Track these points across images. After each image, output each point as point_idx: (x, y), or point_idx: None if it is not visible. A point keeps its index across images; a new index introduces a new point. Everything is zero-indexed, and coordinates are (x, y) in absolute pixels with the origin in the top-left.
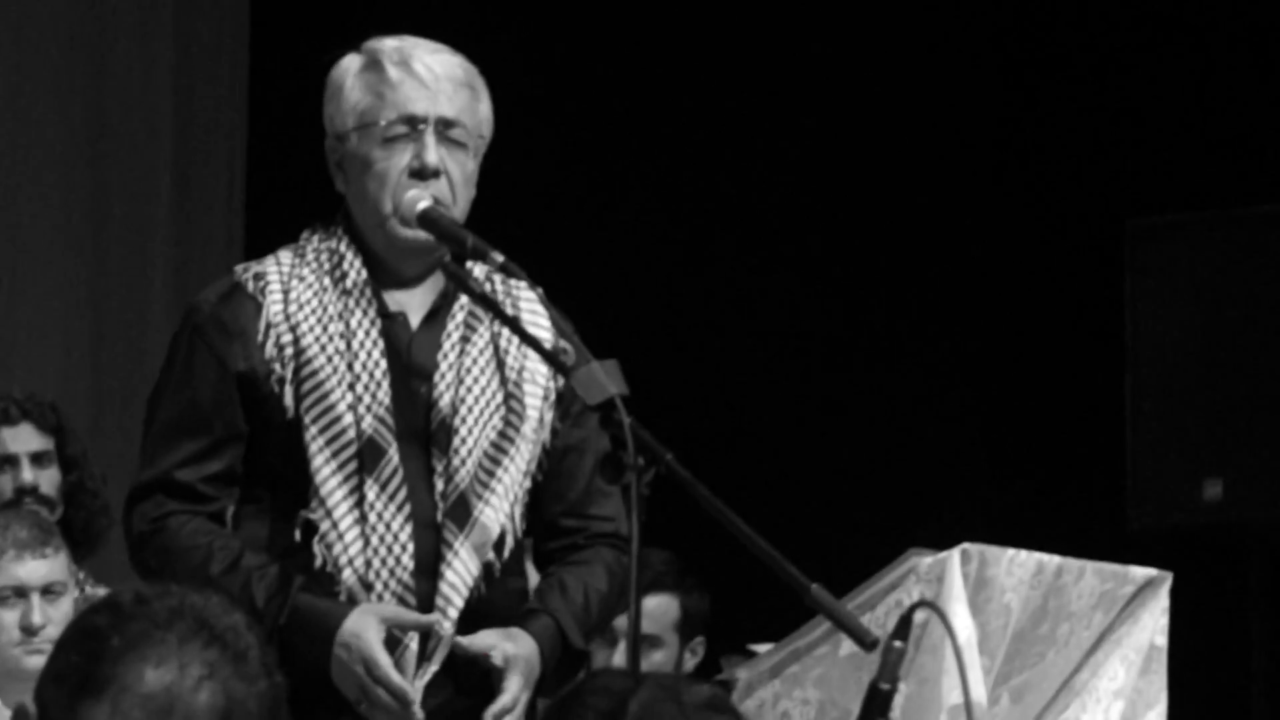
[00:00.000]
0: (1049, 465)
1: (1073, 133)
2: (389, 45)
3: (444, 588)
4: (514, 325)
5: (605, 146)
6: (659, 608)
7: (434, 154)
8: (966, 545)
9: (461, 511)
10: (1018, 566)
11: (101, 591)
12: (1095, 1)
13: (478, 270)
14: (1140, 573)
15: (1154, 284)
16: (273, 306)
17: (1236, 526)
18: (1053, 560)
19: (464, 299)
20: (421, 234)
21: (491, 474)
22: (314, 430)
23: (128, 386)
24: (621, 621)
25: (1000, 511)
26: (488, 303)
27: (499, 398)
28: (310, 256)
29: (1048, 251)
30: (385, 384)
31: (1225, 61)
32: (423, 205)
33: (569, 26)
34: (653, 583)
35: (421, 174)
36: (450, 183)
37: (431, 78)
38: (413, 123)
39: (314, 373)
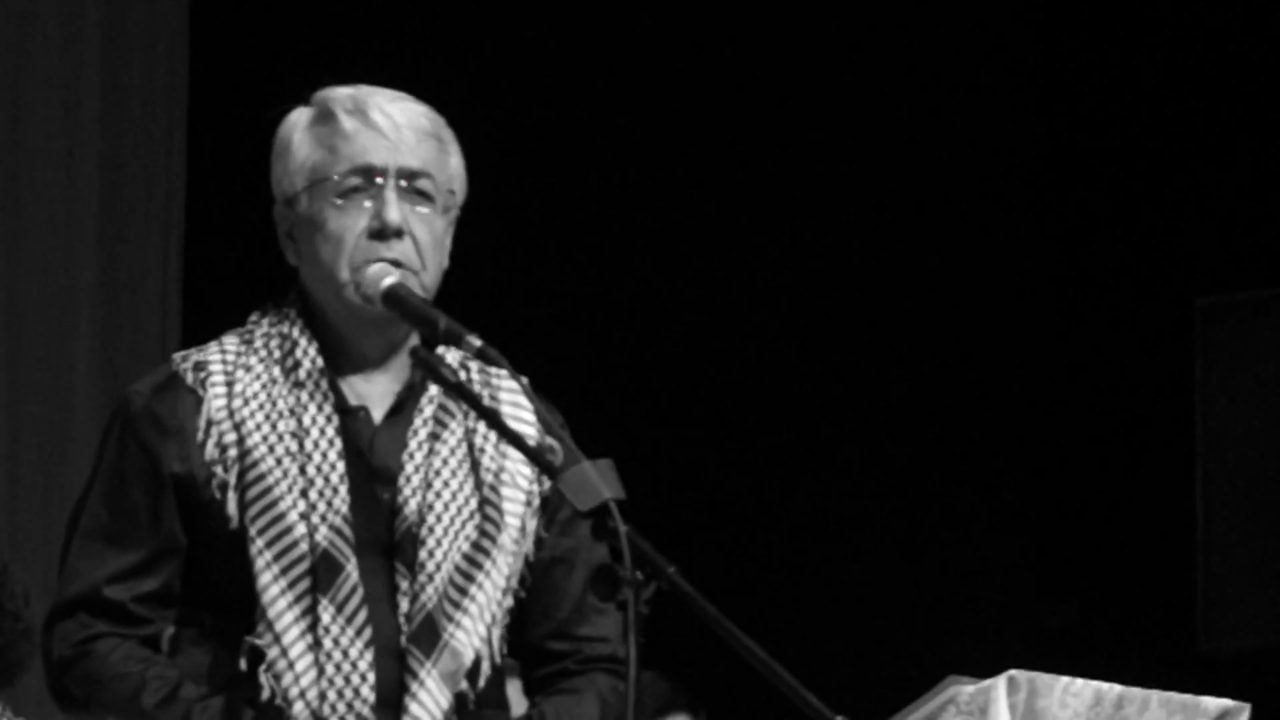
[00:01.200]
0: (1108, 578)
1: (1138, 204)
2: (342, 94)
3: None
4: (494, 419)
5: (592, 215)
6: None
7: (396, 211)
8: (1013, 672)
9: (429, 635)
10: (1072, 697)
11: None
12: (1163, 73)
13: (450, 356)
14: (1213, 704)
15: (1228, 370)
16: (215, 401)
17: None
18: (1113, 689)
19: (433, 390)
20: (361, 300)
21: (464, 591)
22: (260, 543)
23: (48, 488)
24: None
25: (1052, 633)
26: (464, 393)
27: (473, 504)
28: (259, 343)
29: (1108, 335)
30: (343, 489)
31: None
32: (388, 282)
33: (547, 78)
34: (668, 704)
35: (382, 234)
36: (416, 245)
37: (391, 126)
38: (369, 174)
39: (261, 477)
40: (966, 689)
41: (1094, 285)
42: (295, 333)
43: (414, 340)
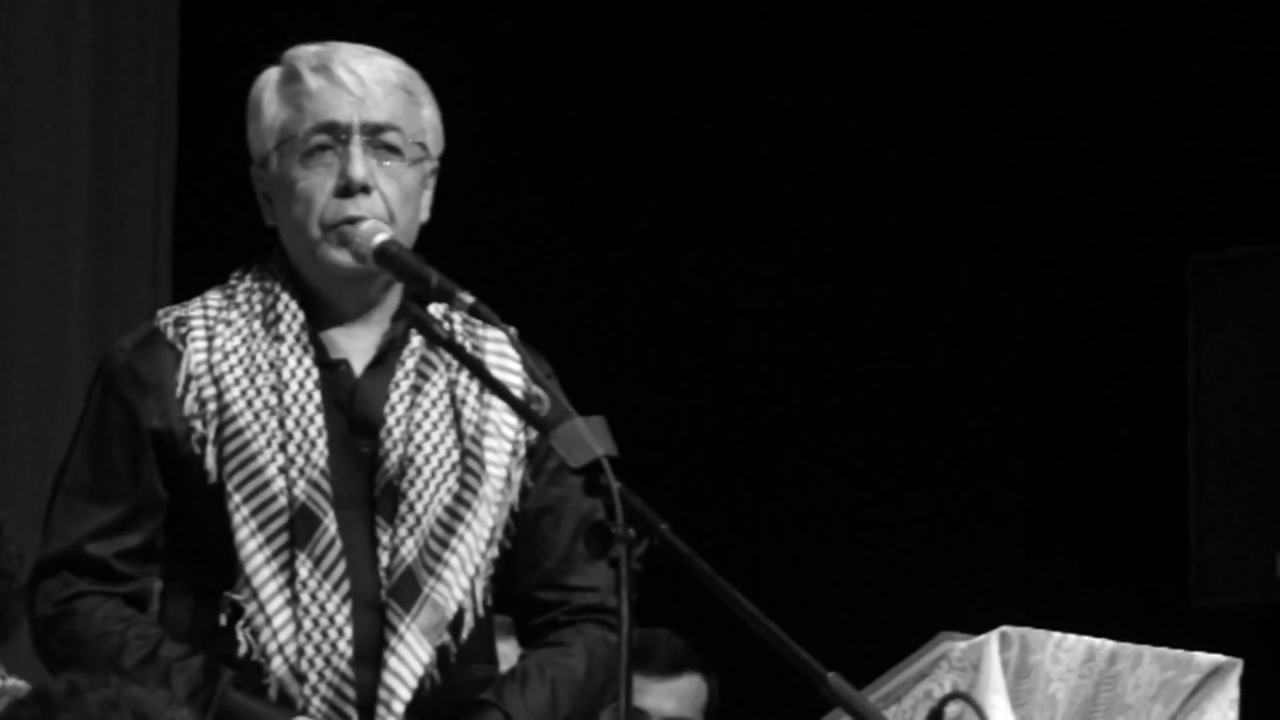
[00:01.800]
0: (1100, 535)
1: (1129, 161)
2: (308, 51)
3: (387, 677)
4: (485, 375)
5: (581, 171)
6: (691, 688)
7: (360, 166)
8: (1006, 628)
9: (409, 589)
10: (1064, 652)
11: (14, 683)
12: (1156, 32)
13: (433, 308)
14: (1205, 659)
15: (1220, 326)
16: (194, 356)
17: None
18: (1105, 645)
19: (415, 342)
20: (354, 259)
21: (445, 544)
22: (238, 498)
23: (40, 445)
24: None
25: (1044, 589)
26: (456, 351)
27: (455, 455)
28: (240, 298)
29: (1100, 292)
30: (321, 443)
31: None
32: (379, 239)
33: (537, 39)
34: (682, 661)
35: (348, 190)
36: (385, 199)
37: (355, 81)
38: (335, 131)
39: (239, 431)
40: (959, 645)
41: (1085, 242)
42: (276, 288)
43: (393, 295)
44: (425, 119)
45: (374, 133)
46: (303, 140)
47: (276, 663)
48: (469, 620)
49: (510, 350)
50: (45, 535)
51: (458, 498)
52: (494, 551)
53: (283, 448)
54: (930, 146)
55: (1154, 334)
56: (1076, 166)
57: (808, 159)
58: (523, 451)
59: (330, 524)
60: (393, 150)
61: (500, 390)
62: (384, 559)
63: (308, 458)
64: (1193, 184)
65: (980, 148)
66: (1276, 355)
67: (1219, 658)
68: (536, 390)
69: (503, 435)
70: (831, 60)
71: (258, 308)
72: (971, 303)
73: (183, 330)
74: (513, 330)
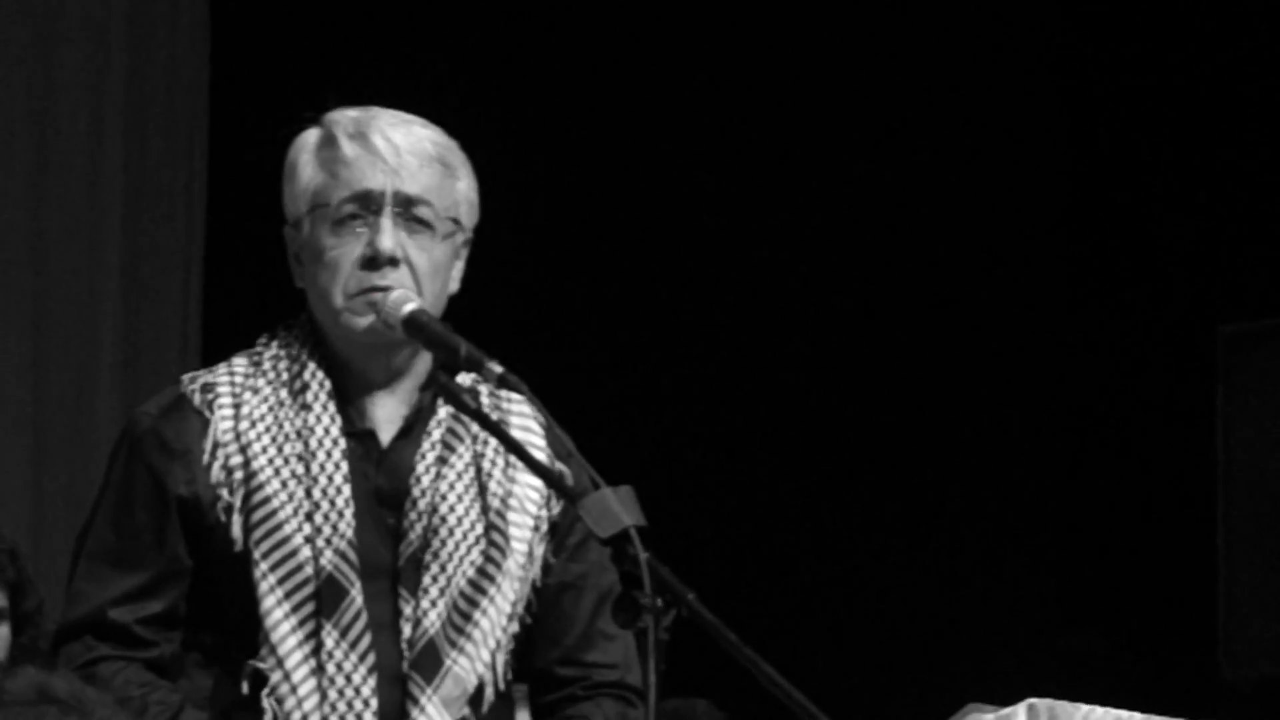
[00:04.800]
0: (1130, 607)
1: (1162, 231)
2: (347, 116)
3: None
4: (516, 447)
5: (613, 240)
6: None
7: (389, 238)
8: (1034, 700)
9: (430, 661)
10: None
11: None
12: (1188, 100)
13: (461, 378)
14: None
15: (1250, 397)
16: (221, 423)
17: None
18: (1134, 718)
19: (442, 413)
20: (382, 326)
21: (468, 617)
22: (265, 566)
23: (71, 506)
24: None
25: (1073, 660)
26: (485, 422)
27: (479, 528)
28: (267, 365)
29: (1131, 362)
30: (348, 513)
31: None
32: (408, 309)
33: (571, 104)
34: None
35: (375, 262)
36: (413, 272)
37: (390, 150)
38: (367, 201)
39: (266, 500)
40: (987, 716)
41: (1118, 312)
42: (304, 355)
43: (421, 364)
44: (460, 192)
45: (406, 205)
46: (335, 208)
47: None
48: (489, 694)
49: (535, 424)
50: (68, 599)
51: (481, 571)
52: (514, 626)
53: (309, 517)
54: (964, 209)
55: (1184, 405)
56: (1110, 237)
57: (832, 215)
58: (545, 526)
59: (357, 595)
60: (424, 224)
61: (529, 460)
62: (406, 630)
63: (335, 527)
64: (1224, 254)
65: (1015, 213)
66: None
67: None
68: (560, 466)
69: (526, 510)
70: (866, 125)
71: (284, 375)
72: (1004, 374)
73: (209, 397)
74: (539, 404)
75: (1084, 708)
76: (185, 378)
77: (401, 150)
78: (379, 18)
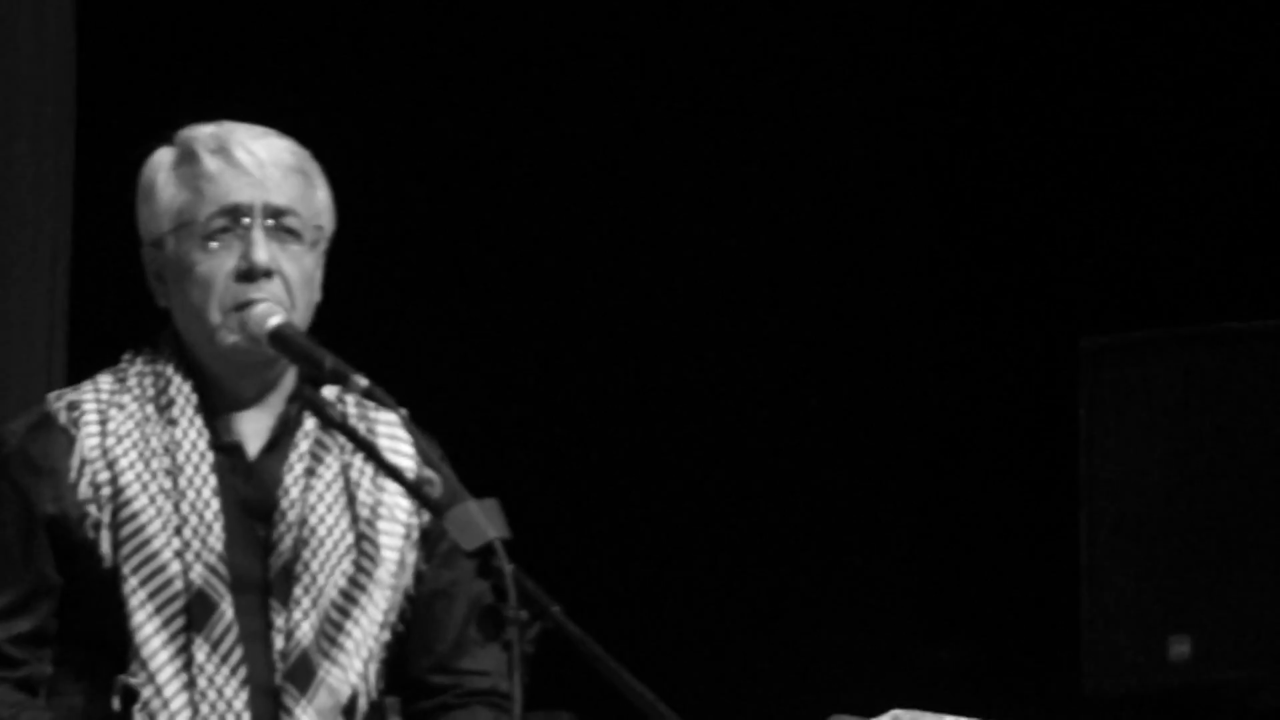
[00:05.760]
0: (993, 619)
1: (1021, 244)
2: (204, 132)
3: None
4: (379, 459)
5: (473, 237)
6: None
7: (263, 250)
8: (898, 711)
9: (303, 672)
10: None
11: None
12: (1047, 112)
13: (327, 390)
14: None
15: (1112, 412)
16: (88, 440)
17: (1206, 690)
18: None
19: (309, 425)
20: (247, 342)
21: (340, 628)
22: (134, 582)
23: None
24: None
25: (936, 673)
26: (350, 434)
27: (349, 539)
28: (132, 381)
29: (993, 376)
30: (217, 526)
31: (1190, 169)
32: (273, 322)
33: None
34: None
35: (250, 275)
36: (286, 283)
37: (255, 163)
38: (236, 215)
39: (134, 515)
40: None
41: (978, 325)
42: (169, 371)
43: (289, 377)
44: (320, 201)
45: (275, 216)
46: (203, 224)
47: None
48: (363, 704)
49: (402, 432)
50: None
51: (352, 581)
52: (387, 635)
53: (178, 531)
54: (822, 222)
55: (1046, 419)
56: (972, 248)
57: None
58: (416, 534)
59: (227, 608)
60: (293, 234)
61: (394, 473)
62: (278, 642)
63: (204, 541)
64: (1086, 268)
65: (876, 228)
66: (1168, 440)
67: None
68: (428, 473)
69: (396, 519)
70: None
71: (150, 391)
72: (866, 386)
73: (75, 414)
74: (404, 412)
75: (947, 718)
76: (51, 396)
77: (265, 162)
78: (228, 27)
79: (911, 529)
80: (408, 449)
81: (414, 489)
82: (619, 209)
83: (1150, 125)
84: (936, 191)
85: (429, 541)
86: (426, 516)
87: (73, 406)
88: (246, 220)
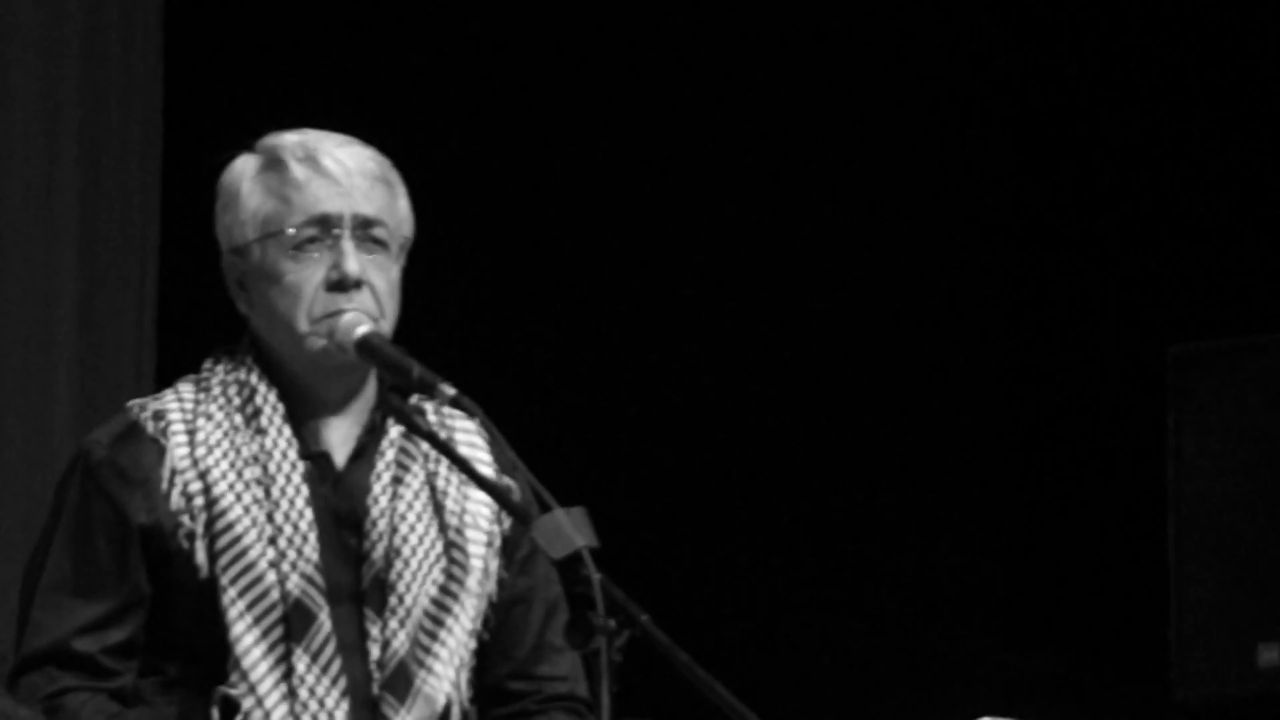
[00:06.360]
0: (1081, 627)
1: (1110, 251)
2: (290, 140)
3: None
4: (468, 468)
5: (551, 252)
6: None
7: (354, 262)
8: (987, 719)
9: (401, 682)
10: None
11: None
12: (1136, 120)
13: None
14: None
15: (1201, 419)
16: (177, 450)
17: None
18: None
19: (394, 433)
20: (335, 349)
21: (434, 636)
22: (233, 593)
23: (29, 537)
24: None
25: (1024, 681)
26: (439, 444)
27: (439, 547)
28: (217, 390)
29: (1081, 383)
30: (312, 537)
31: (1278, 177)
32: (361, 332)
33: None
34: None
35: (341, 285)
36: (375, 294)
37: (343, 173)
38: (326, 225)
39: (230, 525)
40: None
41: (1067, 332)
42: (253, 379)
43: (370, 385)
44: (402, 211)
45: (364, 226)
46: (292, 235)
47: None
48: (456, 713)
49: (480, 440)
50: (26, 632)
51: (444, 589)
52: (474, 643)
53: (273, 542)
54: (907, 230)
55: (1134, 426)
56: (1060, 257)
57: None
58: (498, 542)
59: (325, 619)
60: (380, 244)
61: (482, 482)
62: (374, 651)
63: (299, 552)
64: (1173, 275)
65: (962, 236)
66: (1255, 447)
67: None
68: (508, 480)
69: (480, 526)
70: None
71: (236, 400)
72: (955, 394)
73: (162, 424)
74: (489, 422)
75: None
76: (133, 405)
77: (352, 171)
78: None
79: (1001, 535)
80: (486, 456)
81: (504, 498)
82: (683, 207)
83: (1241, 131)
84: (1027, 195)
85: (508, 549)
86: (507, 523)
87: (159, 416)
88: (337, 231)
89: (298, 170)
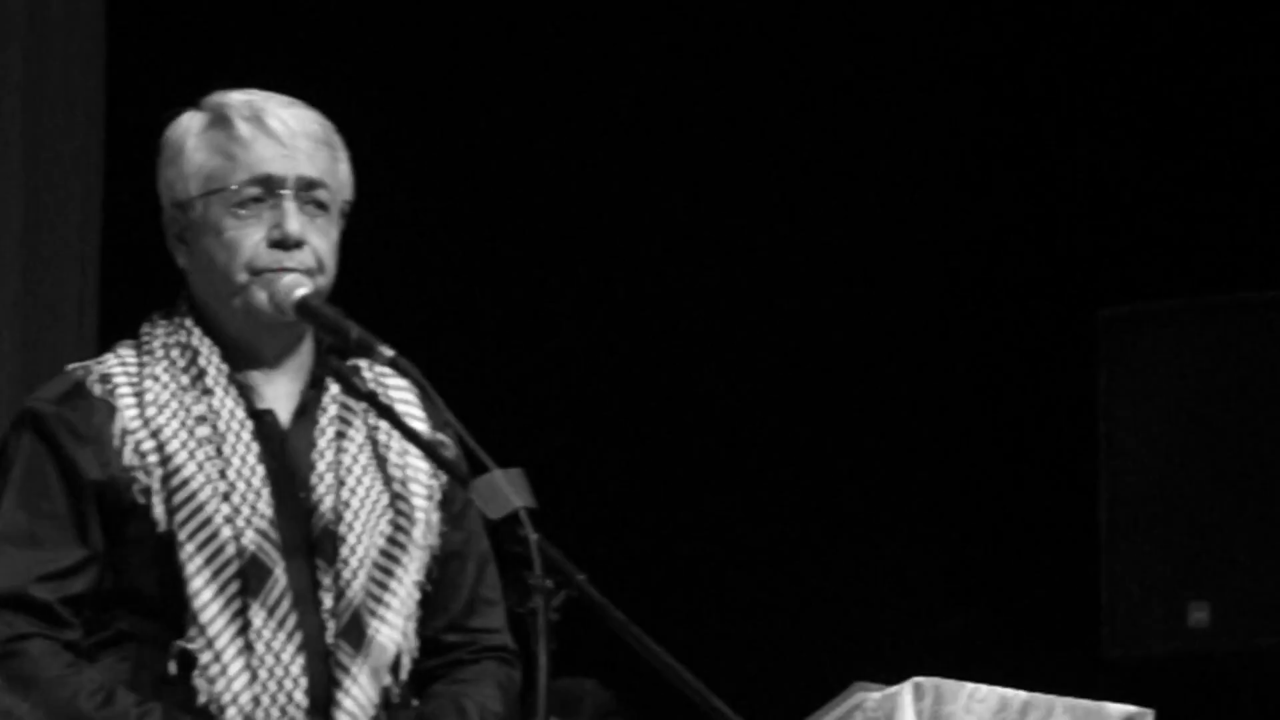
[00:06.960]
0: (1012, 586)
1: (1040, 215)
2: (236, 99)
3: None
4: (405, 428)
5: (490, 211)
6: None
7: (295, 221)
8: (919, 679)
9: (355, 631)
10: (977, 703)
11: None
12: (1068, 85)
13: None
14: (1118, 710)
15: (1131, 381)
16: (127, 411)
17: (1225, 655)
18: (1018, 696)
19: (335, 389)
20: (273, 309)
21: (385, 586)
22: (190, 548)
23: None
24: None
25: (956, 640)
26: (376, 404)
27: (384, 500)
28: (160, 353)
29: (1010, 346)
30: (265, 492)
31: (1205, 142)
32: (300, 293)
33: (441, 80)
34: (608, 712)
35: (283, 244)
36: (315, 253)
37: (288, 134)
38: (269, 185)
39: (185, 482)
40: (873, 695)
41: (998, 295)
42: (194, 341)
43: (306, 342)
44: (343, 174)
45: (307, 188)
46: (235, 191)
47: (231, 712)
48: (406, 662)
49: (414, 398)
50: None
51: (392, 540)
52: (418, 594)
53: (226, 498)
54: (839, 197)
55: (1065, 388)
56: (989, 221)
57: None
58: (438, 496)
59: (280, 574)
60: (321, 206)
61: (419, 441)
62: (327, 601)
63: (254, 507)
64: (1103, 238)
65: (893, 204)
66: (1186, 408)
67: (1131, 708)
68: (440, 437)
69: (420, 480)
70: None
71: (180, 362)
72: (886, 357)
73: (109, 386)
74: (428, 385)
75: (968, 686)
76: (75, 367)
77: (296, 133)
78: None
79: (932, 497)
80: (419, 412)
81: (440, 457)
82: (675, 200)
83: (1166, 95)
84: (955, 160)
85: (446, 503)
86: (444, 478)
87: (105, 379)
88: (281, 191)
89: (243, 129)
